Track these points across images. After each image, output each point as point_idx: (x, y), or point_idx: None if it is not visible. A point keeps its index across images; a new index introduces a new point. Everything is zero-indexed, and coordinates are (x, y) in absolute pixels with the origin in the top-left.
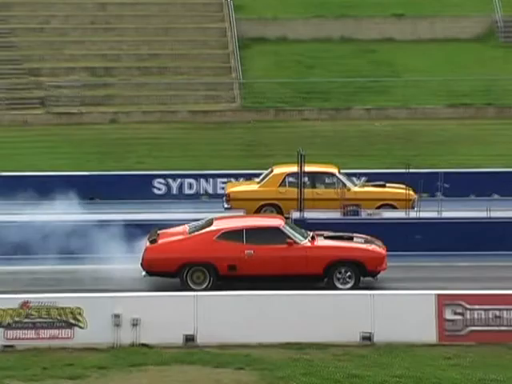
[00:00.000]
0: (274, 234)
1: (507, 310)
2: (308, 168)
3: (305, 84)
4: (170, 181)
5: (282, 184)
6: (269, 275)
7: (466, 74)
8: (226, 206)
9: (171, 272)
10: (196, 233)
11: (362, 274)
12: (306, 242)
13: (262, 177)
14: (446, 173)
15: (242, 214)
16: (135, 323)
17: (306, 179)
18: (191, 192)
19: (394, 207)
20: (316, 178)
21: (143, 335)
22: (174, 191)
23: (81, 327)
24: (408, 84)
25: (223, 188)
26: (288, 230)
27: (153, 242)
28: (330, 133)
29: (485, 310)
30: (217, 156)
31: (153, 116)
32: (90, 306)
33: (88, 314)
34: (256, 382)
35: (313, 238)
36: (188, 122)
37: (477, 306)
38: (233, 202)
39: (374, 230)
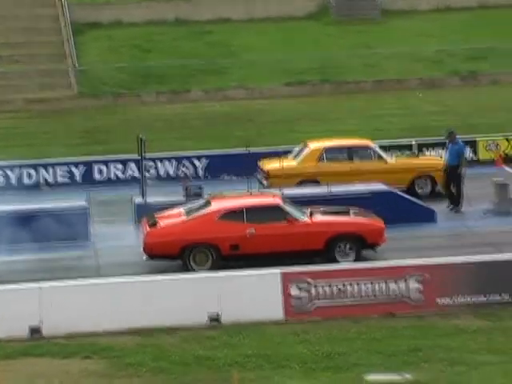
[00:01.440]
0: (274, 211)
1: (351, 283)
2: (344, 142)
3: (141, 68)
4: (7, 171)
5: (321, 159)
6: (271, 253)
7: (301, 52)
8: (265, 182)
9: (174, 255)
10: (196, 214)
11: (363, 246)
12: (305, 219)
13: (295, 153)
14: (286, 151)
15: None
16: None
17: (343, 153)
18: (31, 182)
19: (431, 177)
20: (353, 152)
21: None
22: (13, 182)
23: None
24: (245, 64)
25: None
26: (287, 208)
27: (153, 225)
28: (169, 116)
29: (329, 284)
30: (56, 144)
31: None
32: None
33: None
34: (104, 369)
35: (311, 213)
36: (24, 110)
37: (321, 282)
38: (272, 180)
39: None
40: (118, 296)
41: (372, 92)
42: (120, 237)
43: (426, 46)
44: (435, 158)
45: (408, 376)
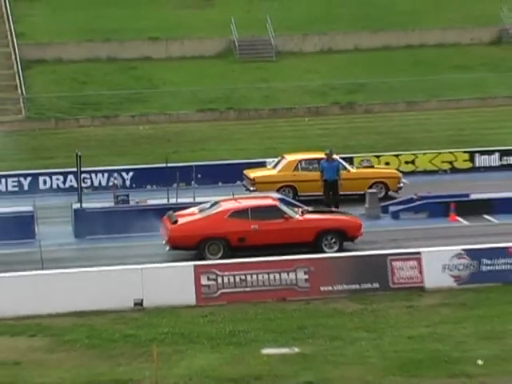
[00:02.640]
0: (274, 211)
1: (250, 274)
2: (315, 155)
3: (79, 97)
4: None
5: (296, 169)
6: (271, 244)
7: (211, 85)
8: (251, 188)
9: (192, 246)
10: (208, 213)
11: (345, 239)
12: (298, 217)
13: (274, 164)
14: (198, 165)
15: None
16: None
17: (314, 164)
18: None
19: (385, 184)
20: None
21: None
22: None
23: None
24: (164, 94)
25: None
26: (284, 207)
27: (175, 222)
28: (101, 137)
29: (233, 275)
30: (7, 160)
31: None
32: None
33: None
34: (47, 345)
35: (302, 212)
36: None
37: (226, 273)
38: (258, 185)
39: (142, 214)
40: (59, 285)
41: (268, 118)
42: (61, 236)
43: (312, 81)
44: (387, 168)
45: (296, 349)
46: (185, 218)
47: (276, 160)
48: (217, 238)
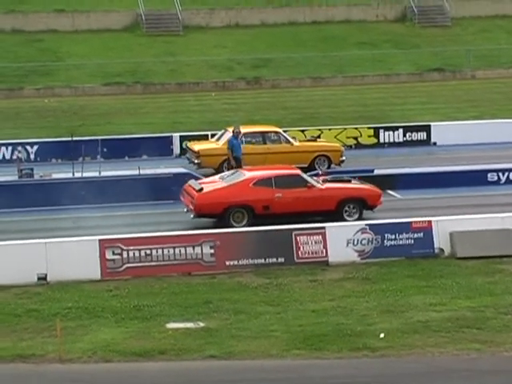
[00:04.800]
0: (296, 179)
1: (156, 248)
2: (259, 128)
3: None
4: None
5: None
6: (294, 212)
7: (117, 58)
8: (196, 161)
9: (217, 214)
10: (233, 181)
11: (365, 208)
12: (320, 186)
13: (217, 137)
14: (103, 139)
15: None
16: None
17: (258, 137)
18: None
19: (327, 157)
20: (266, 136)
21: None
22: None
23: None
24: (70, 67)
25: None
26: (306, 176)
27: (200, 190)
28: (6, 109)
29: (138, 249)
30: None
31: None
32: None
33: None
34: None
35: (323, 181)
36: None
37: (131, 247)
38: (202, 158)
39: (47, 188)
40: None
41: (175, 92)
42: None
43: (219, 56)
44: (330, 141)
45: (201, 324)
46: (209, 185)
47: (219, 133)
48: (242, 205)
